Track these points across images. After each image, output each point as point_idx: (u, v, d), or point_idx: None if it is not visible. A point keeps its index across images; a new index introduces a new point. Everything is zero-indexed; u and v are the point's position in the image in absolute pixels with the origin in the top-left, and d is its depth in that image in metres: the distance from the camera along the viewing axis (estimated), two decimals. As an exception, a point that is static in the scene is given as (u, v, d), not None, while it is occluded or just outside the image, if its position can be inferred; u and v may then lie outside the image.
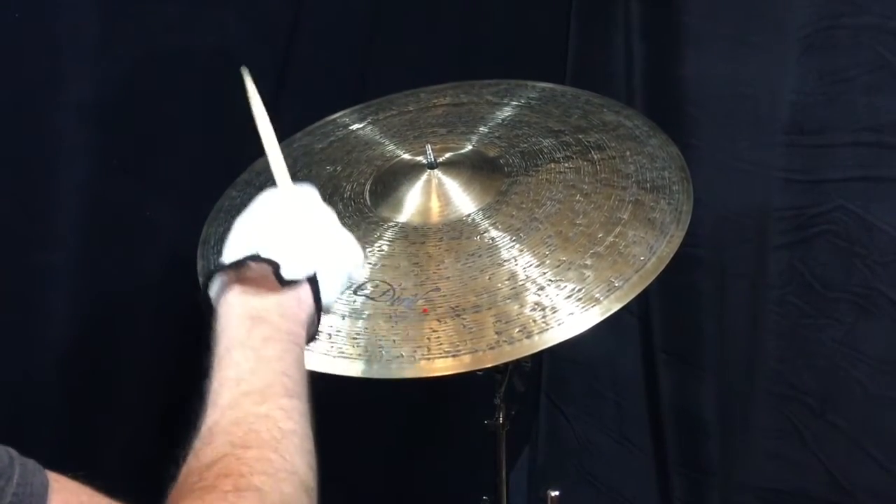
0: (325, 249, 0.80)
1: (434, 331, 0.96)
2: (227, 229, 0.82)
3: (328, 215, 0.84)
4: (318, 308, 0.77)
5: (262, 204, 0.83)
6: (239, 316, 0.73)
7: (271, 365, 0.70)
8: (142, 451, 1.31)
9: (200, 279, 0.78)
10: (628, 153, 1.15)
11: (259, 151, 0.89)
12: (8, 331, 1.13)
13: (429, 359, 0.94)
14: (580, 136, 1.19)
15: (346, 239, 0.83)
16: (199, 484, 0.60)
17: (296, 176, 1.21)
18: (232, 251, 0.78)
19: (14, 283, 1.13)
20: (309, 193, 0.85)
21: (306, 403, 0.70)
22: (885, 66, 1.46)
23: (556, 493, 1.38)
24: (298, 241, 0.78)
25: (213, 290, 0.76)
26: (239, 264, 0.75)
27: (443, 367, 0.93)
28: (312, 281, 0.77)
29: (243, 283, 0.75)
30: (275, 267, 0.74)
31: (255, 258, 0.75)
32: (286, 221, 0.80)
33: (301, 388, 0.71)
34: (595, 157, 1.15)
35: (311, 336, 0.78)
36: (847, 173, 1.54)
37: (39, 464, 0.55)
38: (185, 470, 0.63)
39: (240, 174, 1.26)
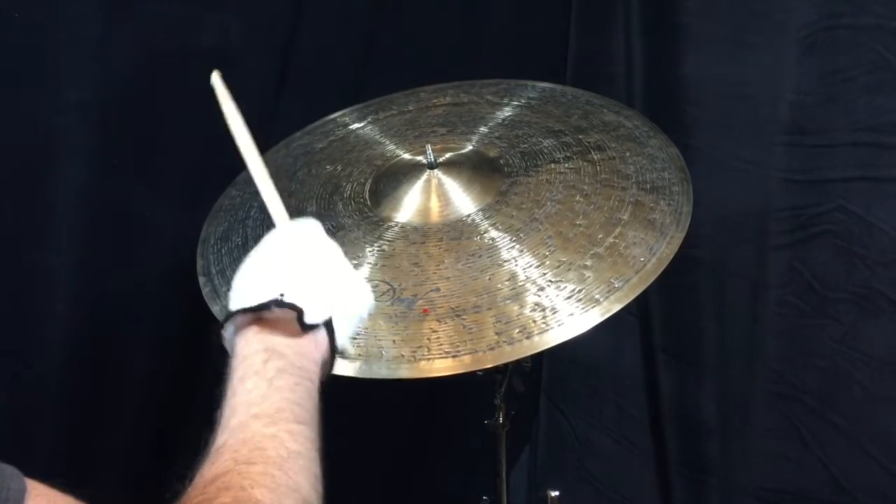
0: (340, 294, 0.81)
1: (434, 331, 0.95)
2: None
3: (335, 252, 0.84)
4: (333, 350, 0.78)
5: (271, 246, 0.82)
6: (255, 350, 0.74)
7: (283, 393, 0.71)
8: (140, 451, 1.31)
9: (220, 319, 0.78)
10: (628, 154, 1.15)
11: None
12: (8, 331, 1.13)
13: (429, 359, 0.94)
14: (580, 137, 1.19)
15: (359, 282, 0.85)
16: (198, 498, 0.61)
17: (295, 175, 1.22)
18: (247, 294, 0.78)
19: (14, 283, 1.13)
20: (312, 229, 0.84)
21: (316, 433, 0.71)
22: (885, 66, 1.45)
23: (556, 493, 1.38)
24: (318, 287, 0.79)
25: (230, 329, 0.77)
26: (262, 308, 0.76)
27: (443, 367, 0.93)
28: (328, 324, 0.78)
29: (262, 324, 0.76)
30: (299, 313, 0.75)
31: (279, 303, 0.75)
32: (303, 266, 0.80)
33: (311, 418, 0.71)
34: (595, 157, 1.15)
35: (325, 377, 0.79)
36: (847, 173, 1.54)
37: (30, 467, 0.55)
38: (189, 488, 0.63)
39: (239, 174, 1.26)
